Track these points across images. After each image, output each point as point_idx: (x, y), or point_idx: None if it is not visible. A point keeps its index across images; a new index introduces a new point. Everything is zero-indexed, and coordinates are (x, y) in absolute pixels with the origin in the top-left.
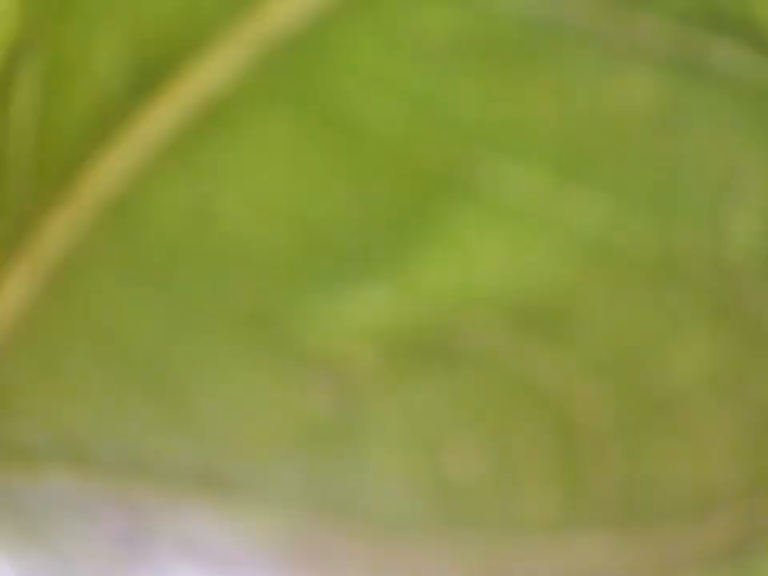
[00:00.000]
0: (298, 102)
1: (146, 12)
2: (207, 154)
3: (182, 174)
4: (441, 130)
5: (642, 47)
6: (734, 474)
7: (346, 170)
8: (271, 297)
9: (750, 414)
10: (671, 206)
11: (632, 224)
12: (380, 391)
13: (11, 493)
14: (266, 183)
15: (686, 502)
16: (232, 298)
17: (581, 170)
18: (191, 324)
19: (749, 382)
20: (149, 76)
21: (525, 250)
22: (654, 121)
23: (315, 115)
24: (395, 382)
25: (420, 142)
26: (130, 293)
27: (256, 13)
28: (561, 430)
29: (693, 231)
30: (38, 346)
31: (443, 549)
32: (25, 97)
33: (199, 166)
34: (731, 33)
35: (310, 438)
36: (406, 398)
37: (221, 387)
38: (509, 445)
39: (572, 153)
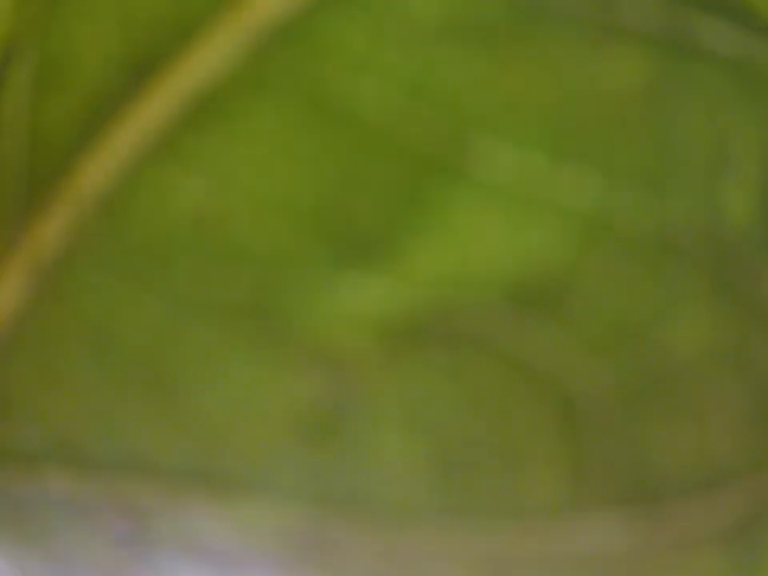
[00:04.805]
0: (288, 91)
1: (135, 7)
2: (199, 146)
3: (175, 168)
4: (432, 115)
5: (629, 27)
6: (739, 450)
7: (339, 157)
8: (268, 288)
9: (752, 388)
10: (665, 182)
11: (627, 201)
12: (379, 378)
13: (11, 495)
14: (259, 173)
15: (692, 479)
16: (228, 290)
17: (573, 149)
18: (188, 320)
19: (749, 355)
20: (139, 71)
21: (520, 231)
22: (644, 99)
23: (306, 104)
24: (394, 368)
25: (412, 127)
26: (126, 291)
27: (244, 3)
28: (562, 410)
29: (688, 207)
30: (35, 347)
31: (447, 536)
32: (17, 96)
33: (192, 159)
34: (718, 11)
35: (310, 429)
36: (405, 385)
37: (219, 382)
38: (510, 427)
39: (564, 133)
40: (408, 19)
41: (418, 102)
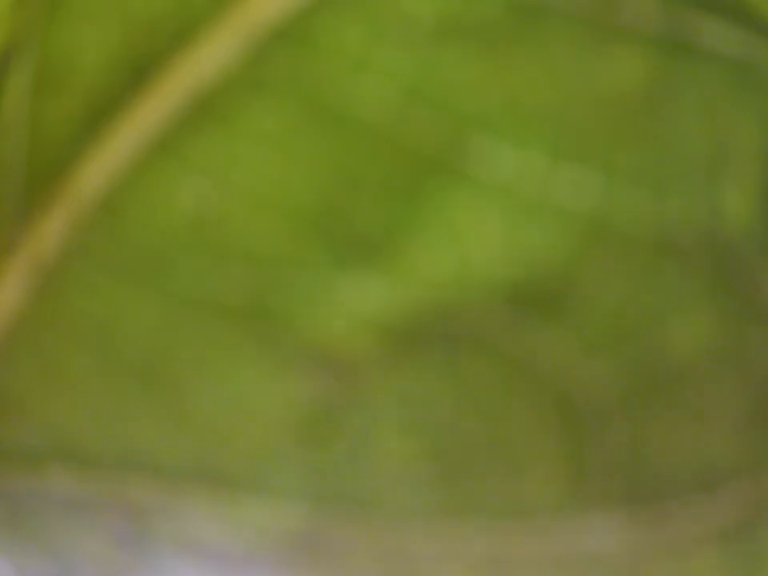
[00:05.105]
0: (286, 92)
1: (135, 8)
2: (198, 147)
3: (174, 169)
4: (431, 115)
5: (629, 27)
6: (738, 449)
7: (338, 158)
8: (268, 288)
9: (751, 388)
10: (665, 182)
11: (626, 201)
12: (379, 378)
13: (11, 495)
14: (258, 174)
15: (692, 478)
16: (228, 291)
17: (573, 149)
18: (187, 320)
19: (748, 355)
20: (139, 71)
21: (520, 232)
22: (644, 99)
23: (304, 104)
24: (394, 368)
25: (410, 127)
26: (125, 291)
27: (243, 4)
28: (562, 410)
29: (687, 207)
30: (35, 347)
31: (447, 536)
32: (17, 96)
33: (191, 160)
34: (719, 11)
35: (309, 429)
36: (405, 385)
37: (219, 382)
38: (510, 427)
39: (564, 133)
40: (406, 19)
41: (416, 101)
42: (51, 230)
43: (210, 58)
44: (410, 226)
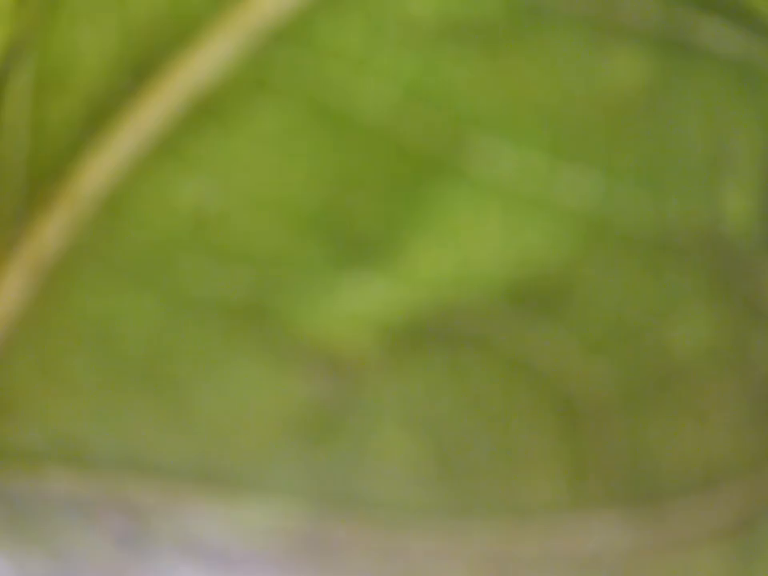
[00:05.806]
0: (286, 92)
1: (134, 9)
2: (198, 147)
3: (174, 169)
4: (431, 115)
5: (629, 27)
6: (738, 449)
7: (338, 158)
8: (267, 288)
9: (751, 388)
10: (665, 182)
11: (626, 201)
12: (379, 378)
13: (11, 494)
14: (258, 174)
15: (692, 478)
16: (228, 291)
17: (573, 149)
18: (188, 319)
19: (748, 356)
20: (139, 71)
21: (519, 231)
22: (644, 99)
23: (304, 104)
24: (394, 368)
25: (410, 127)
26: (126, 291)
27: (243, 4)
28: (563, 409)
29: (687, 207)
30: (36, 347)
31: (447, 536)
32: (18, 97)
33: (191, 160)
34: (718, 11)
35: (310, 429)
36: (405, 384)
37: (219, 382)
38: (510, 427)
39: (563, 133)
40: (406, 19)
41: (416, 101)
42: (51, 230)
43: (210, 58)
44: (410, 225)
